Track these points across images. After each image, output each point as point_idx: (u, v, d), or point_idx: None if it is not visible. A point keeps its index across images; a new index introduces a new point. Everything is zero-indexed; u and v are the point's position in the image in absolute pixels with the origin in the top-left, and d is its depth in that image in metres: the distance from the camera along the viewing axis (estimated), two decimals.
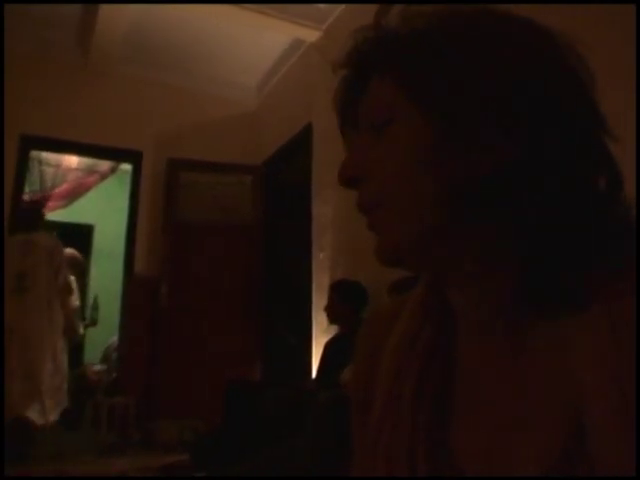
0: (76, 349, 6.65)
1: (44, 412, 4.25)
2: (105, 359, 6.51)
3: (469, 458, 0.57)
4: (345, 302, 3.84)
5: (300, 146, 5.23)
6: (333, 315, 3.93)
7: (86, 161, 6.55)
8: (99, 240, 7.92)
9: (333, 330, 4.14)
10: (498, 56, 0.54)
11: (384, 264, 0.61)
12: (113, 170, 6.75)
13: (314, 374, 4.19)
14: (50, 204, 6.38)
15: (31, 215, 4.98)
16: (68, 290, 4.70)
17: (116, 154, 6.10)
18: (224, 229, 5.72)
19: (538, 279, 0.54)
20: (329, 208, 4.54)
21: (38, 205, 5.54)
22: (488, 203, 0.55)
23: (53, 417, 4.33)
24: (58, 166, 6.42)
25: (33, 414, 4.16)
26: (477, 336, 0.61)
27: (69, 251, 5.52)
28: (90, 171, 6.64)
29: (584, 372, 0.50)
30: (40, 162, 6.25)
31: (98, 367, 6.38)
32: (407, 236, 0.58)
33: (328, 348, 3.96)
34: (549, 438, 0.51)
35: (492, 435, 0.56)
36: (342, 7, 4.63)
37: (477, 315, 0.60)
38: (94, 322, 5.74)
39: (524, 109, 0.53)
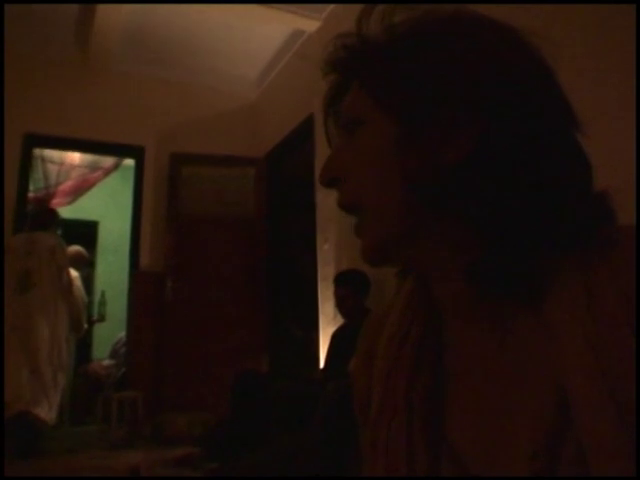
0: (85, 345, 6.71)
1: (51, 409, 4.28)
2: (113, 354, 6.54)
3: (466, 445, 0.58)
4: (347, 292, 3.84)
5: (302, 137, 5.22)
6: (344, 311, 3.93)
7: (89, 158, 6.56)
8: (104, 236, 7.94)
9: (339, 320, 4.15)
10: (460, 57, 0.57)
11: (370, 265, 0.64)
12: (116, 166, 6.76)
13: (322, 365, 4.20)
14: (55, 201, 6.39)
15: (43, 214, 4.97)
16: (70, 287, 4.71)
17: (119, 150, 6.11)
18: (228, 222, 5.73)
19: (506, 267, 0.55)
20: (333, 199, 4.51)
21: (48, 204, 5.47)
22: (453, 197, 0.57)
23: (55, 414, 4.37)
24: (62, 163, 6.43)
25: (42, 410, 4.18)
26: (463, 326, 0.62)
27: (74, 248, 5.57)
28: (93, 167, 6.65)
29: (564, 345, 0.51)
30: (43, 160, 6.26)
31: (107, 362, 6.42)
32: (384, 237, 0.61)
33: (335, 338, 3.97)
34: (537, 421, 0.52)
35: (485, 421, 0.57)
36: None
37: (459, 306, 0.61)
38: (102, 317, 5.78)
39: (477, 107, 0.55)
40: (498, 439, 0.55)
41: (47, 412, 4.23)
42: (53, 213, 5.07)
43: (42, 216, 4.90)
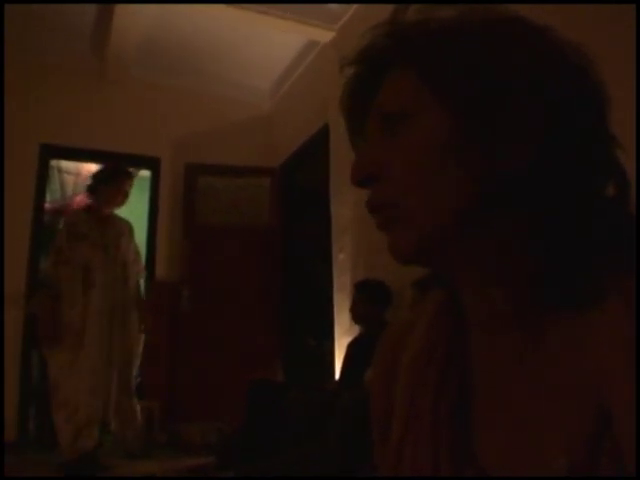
0: None
1: None
2: None
3: (495, 460, 0.57)
4: (369, 303, 3.81)
5: (317, 147, 5.24)
6: (357, 315, 3.92)
7: None
8: None
9: (355, 331, 4.14)
10: (522, 57, 0.55)
11: (399, 262, 0.60)
12: None
13: (337, 375, 4.19)
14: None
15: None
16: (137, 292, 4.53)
17: (134, 161, 6.13)
18: (243, 232, 5.74)
19: (556, 276, 0.55)
20: (348, 208, 4.54)
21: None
22: (506, 203, 0.56)
23: None
24: (78, 174, 6.49)
25: None
26: (493, 337, 0.61)
27: None
28: None
29: (606, 359, 0.50)
30: (60, 170, 6.33)
31: None
32: (425, 235, 0.57)
33: (351, 349, 3.95)
34: (574, 430, 0.51)
35: (516, 434, 0.56)
36: (355, 6, 4.63)
37: (493, 315, 0.60)
38: None
39: (544, 111, 0.54)
40: (530, 453, 0.54)
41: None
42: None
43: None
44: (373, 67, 0.63)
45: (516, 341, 0.58)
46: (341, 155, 4.68)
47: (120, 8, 4.60)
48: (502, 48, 0.56)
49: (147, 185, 6.11)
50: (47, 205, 5.81)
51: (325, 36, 5.00)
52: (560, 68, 0.56)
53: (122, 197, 4.27)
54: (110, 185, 4.19)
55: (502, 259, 0.57)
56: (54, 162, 5.99)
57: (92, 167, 6.49)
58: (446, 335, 0.64)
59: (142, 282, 4.55)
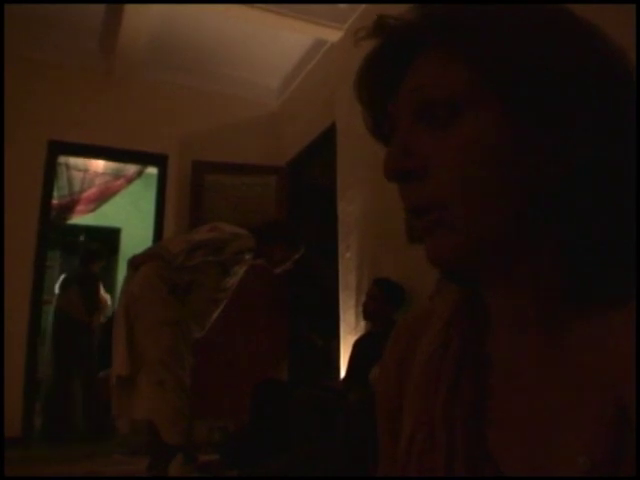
0: (105, 351, 6.75)
1: None
2: None
3: (512, 461, 0.55)
4: (385, 301, 3.80)
5: (324, 146, 5.23)
6: (369, 311, 3.90)
7: (113, 165, 6.63)
8: (126, 243, 8.01)
9: (361, 329, 4.13)
10: (581, 60, 0.52)
11: (439, 267, 0.58)
12: (139, 174, 6.82)
13: (343, 374, 4.19)
14: (78, 208, 6.47)
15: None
16: None
17: (142, 158, 6.15)
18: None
19: (587, 277, 0.54)
20: (355, 207, 4.54)
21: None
22: (558, 206, 0.54)
23: None
24: (86, 171, 6.50)
25: None
26: (514, 336, 0.59)
27: None
28: (117, 175, 6.71)
29: (625, 359, 0.50)
30: (68, 167, 6.34)
31: None
32: (472, 240, 0.55)
33: (357, 347, 3.95)
34: (594, 430, 0.50)
35: (535, 434, 0.55)
36: (363, 6, 4.62)
37: (517, 315, 0.59)
38: None
39: (599, 115, 0.52)
40: (548, 453, 0.53)
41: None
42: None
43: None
44: (402, 42, 0.58)
45: (538, 341, 0.57)
46: (348, 153, 4.67)
47: (129, 8, 4.61)
48: (565, 48, 0.53)
49: (154, 182, 6.13)
50: (54, 201, 5.82)
51: (333, 35, 4.99)
52: (616, 74, 0.54)
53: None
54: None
55: (536, 261, 0.55)
56: (62, 158, 6.00)
57: (100, 164, 6.54)
58: (463, 332, 0.63)
59: None
